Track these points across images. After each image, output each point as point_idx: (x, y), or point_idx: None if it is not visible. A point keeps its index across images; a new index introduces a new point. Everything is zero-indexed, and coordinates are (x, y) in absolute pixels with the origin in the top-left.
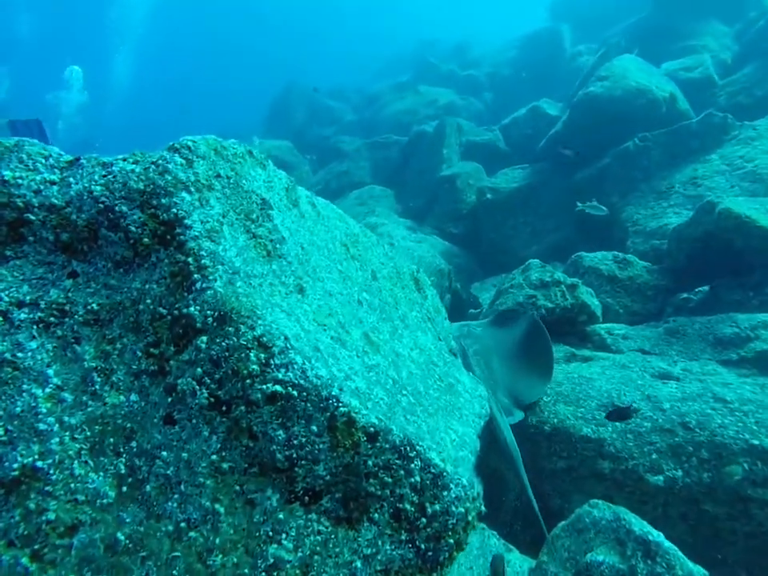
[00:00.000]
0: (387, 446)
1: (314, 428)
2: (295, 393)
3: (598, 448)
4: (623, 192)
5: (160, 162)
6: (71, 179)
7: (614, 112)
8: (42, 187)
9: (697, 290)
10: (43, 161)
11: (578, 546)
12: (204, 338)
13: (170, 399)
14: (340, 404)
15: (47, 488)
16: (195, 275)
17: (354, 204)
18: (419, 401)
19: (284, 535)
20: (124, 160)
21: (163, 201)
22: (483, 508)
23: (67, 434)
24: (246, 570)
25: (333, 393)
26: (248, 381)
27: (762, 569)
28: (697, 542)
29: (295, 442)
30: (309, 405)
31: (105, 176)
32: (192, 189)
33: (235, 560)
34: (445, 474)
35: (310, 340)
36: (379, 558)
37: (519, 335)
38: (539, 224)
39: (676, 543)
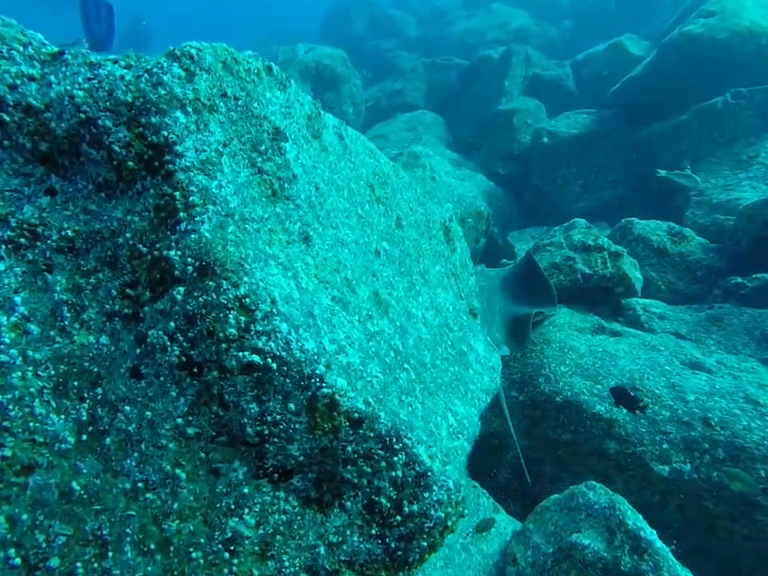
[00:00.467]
0: (371, 434)
1: (292, 406)
2: (274, 366)
3: (608, 428)
4: (697, 156)
5: (155, 70)
6: (52, 77)
7: (715, 59)
8: (18, 82)
9: (755, 276)
10: (20, 49)
11: (566, 523)
12: (181, 289)
13: (138, 350)
14: (323, 384)
15: (5, 423)
16: (181, 213)
17: (401, 128)
18: (421, 376)
19: (247, 510)
20: (114, 62)
21: (153, 120)
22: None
23: (30, 369)
24: (202, 540)
25: (317, 371)
26: (223, 345)
27: (751, 568)
28: (688, 532)
29: (269, 418)
30: (288, 381)
31: (90, 79)
32: (189, 108)
33: (192, 528)
34: (430, 473)
35: (304, 302)
36: (345, 547)
37: (517, 269)
38: (593, 178)
39: (666, 528)
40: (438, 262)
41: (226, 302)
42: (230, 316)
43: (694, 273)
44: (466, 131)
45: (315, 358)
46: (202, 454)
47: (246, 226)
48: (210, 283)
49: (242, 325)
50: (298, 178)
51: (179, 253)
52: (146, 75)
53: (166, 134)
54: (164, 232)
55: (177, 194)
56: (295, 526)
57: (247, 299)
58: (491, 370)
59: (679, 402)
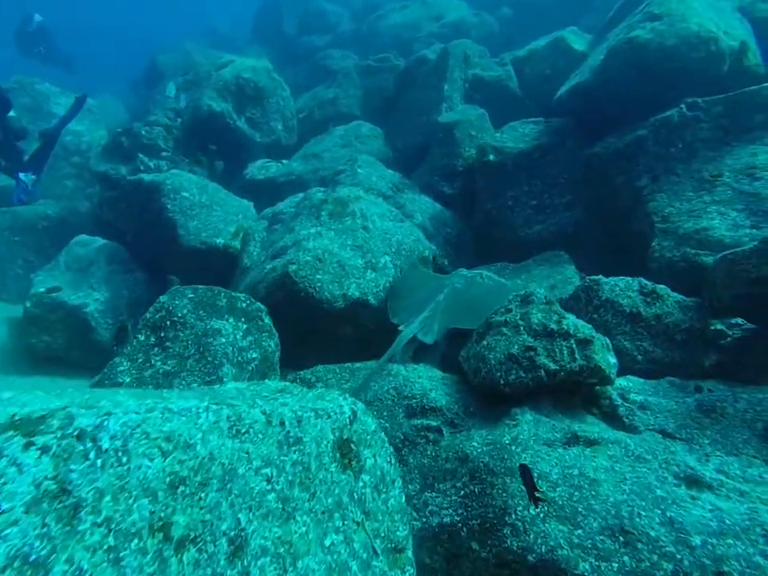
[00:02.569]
0: None
1: None
2: None
3: None
4: (655, 175)
5: None
6: None
7: (666, 67)
8: None
9: (734, 321)
10: None
11: None
12: None
13: None
14: None
15: None
16: None
17: (336, 144)
18: None
19: None
20: None
21: None
22: None
23: None
24: None
25: None
26: None
27: None
28: None
29: None
30: None
31: None
32: None
33: None
34: None
35: None
36: None
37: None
38: (546, 198)
39: None
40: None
41: None
42: None
43: (671, 337)
44: (405, 143)
45: None
46: None
47: None
48: None
49: None
50: None
51: None
52: None
53: None
54: None
55: None
56: None
57: None
58: None
59: (683, 547)
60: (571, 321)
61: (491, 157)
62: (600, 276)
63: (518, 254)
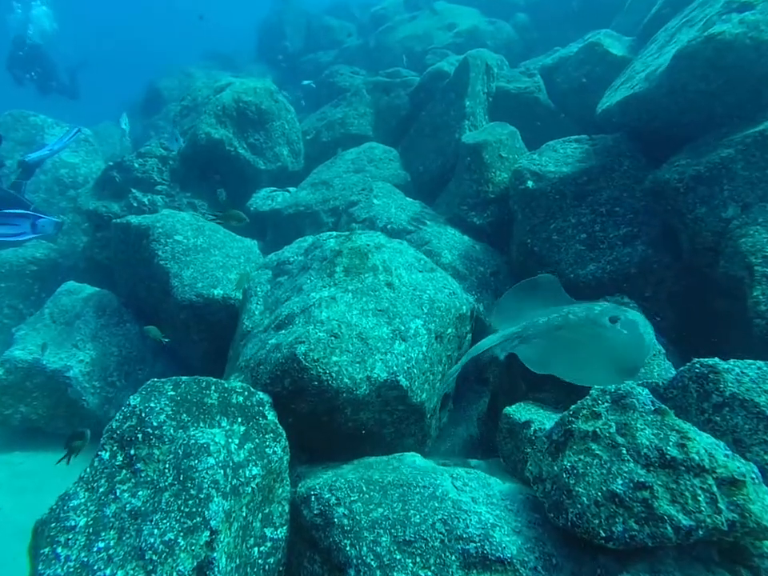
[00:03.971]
0: None
1: None
2: None
3: None
4: (747, 202)
5: None
6: None
7: (756, 69)
8: None
9: None
10: None
11: None
12: None
13: None
14: None
15: None
16: None
17: (348, 170)
18: None
19: None
20: None
21: None
22: None
23: None
24: None
25: None
26: None
27: None
28: None
29: None
30: None
31: None
32: None
33: None
34: None
35: None
36: None
37: None
38: (599, 231)
39: None
40: None
41: None
42: None
43: None
44: (425, 166)
45: None
46: None
47: None
48: None
49: None
50: None
51: None
52: None
53: None
54: None
55: None
56: None
57: None
58: None
59: None
60: (702, 444)
61: (530, 183)
62: (716, 360)
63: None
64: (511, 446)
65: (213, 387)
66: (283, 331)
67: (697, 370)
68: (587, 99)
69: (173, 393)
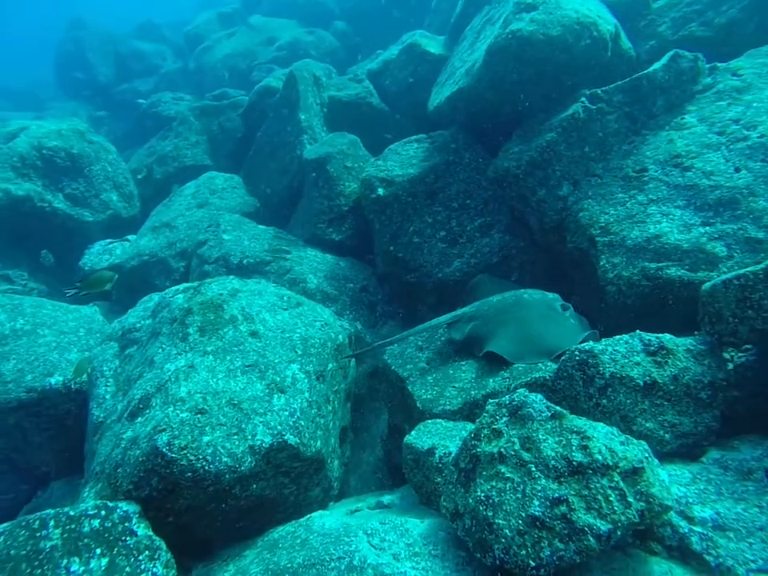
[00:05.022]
0: None
1: None
2: None
3: None
4: (575, 179)
5: None
6: None
7: (555, 59)
8: None
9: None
10: None
11: None
12: None
13: None
14: None
15: None
16: None
17: (190, 206)
18: None
19: None
20: None
21: None
22: None
23: None
24: None
25: None
26: None
27: None
28: None
29: None
30: None
31: None
32: None
33: None
34: None
35: None
36: None
37: None
38: (456, 227)
39: None
40: None
41: None
42: None
43: (697, 398)
44: (272, 188)
45: None
46: None
47: None
48: None
49: None
50: None
51: None
52: None
53: None
54: None
55: None
56: None
57: None
58: None
59: None
60: (601, 440)
61: (380, 191)
62: (590, 343)
63: (443, 300)
64: (420, 476)
65: (52, 523)
66: (139, 419)
67: (577, 358)
68: (418, 97)
69: None
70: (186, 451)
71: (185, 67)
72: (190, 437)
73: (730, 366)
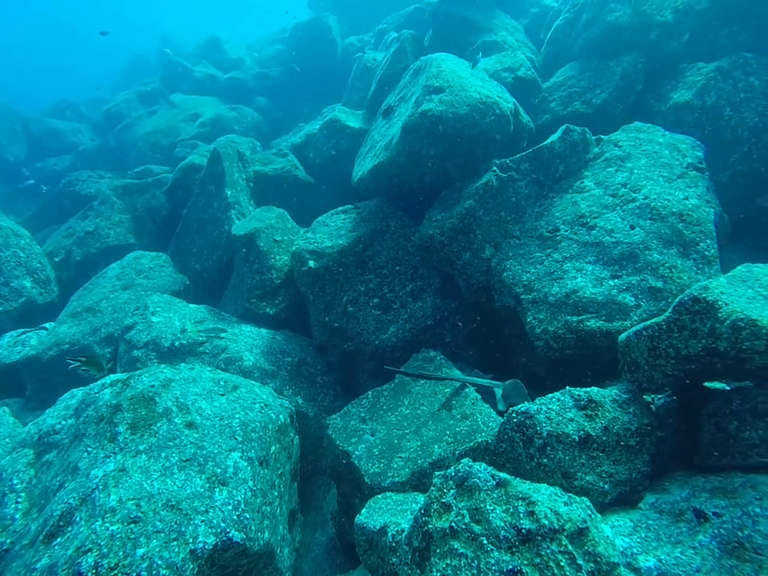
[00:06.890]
0: None
1: None
2: None
3: None
4: (497, 241)
5: None
6: None
7: (464, 134)
8: None
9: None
10: None
11: None
12: None
13: None
14: None
15: None
16: None
17: (115, 288)
18: None
19: None
20: None
21: None
22: None
23: None
24: None
25: None
26: None
27: None
28: None
29: None
30: None
31: None
32: None
33: None
34: None
35: None
36: None
37: None
38: (388, 293)
39: None
40: None
41: None
42: None
43: (627, 445)
44: (201, 264)
45: None
46: None
47: None
48: None
49: None
50: None
51: None
52: None
53: None
54: None
55: None
56: None
57: None
58: None
59: None
60: (546, 504)
61: (311, 264)
62: (525, 404)
63: (381, 368)
64: (375, 558)
65: None
66: (58, 540)
67: (515, 420)
68: (342, 168)
69: None
70: (116, 571)
71: (105, 144)
72: (121, 553)
73: (653, 407)
